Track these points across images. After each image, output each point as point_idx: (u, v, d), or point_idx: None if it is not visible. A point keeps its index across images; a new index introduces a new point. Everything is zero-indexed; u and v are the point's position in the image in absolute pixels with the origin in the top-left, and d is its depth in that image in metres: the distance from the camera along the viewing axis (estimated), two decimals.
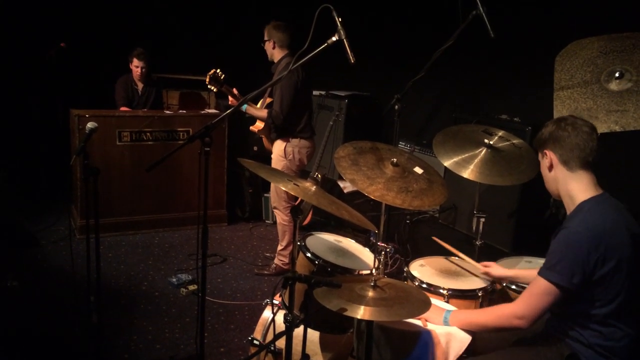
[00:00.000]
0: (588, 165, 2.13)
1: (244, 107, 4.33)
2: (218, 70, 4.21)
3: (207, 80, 4.20)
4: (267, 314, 2.82)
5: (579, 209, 2.09)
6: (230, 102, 4.48)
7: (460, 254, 2.91)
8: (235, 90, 4.40)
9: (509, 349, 2.26)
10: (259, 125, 4.57)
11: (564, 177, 2.16)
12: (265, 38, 4.33)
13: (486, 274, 2.72)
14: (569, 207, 2.15)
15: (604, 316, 2.04)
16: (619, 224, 2.06)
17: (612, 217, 2.06)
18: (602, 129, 2.91)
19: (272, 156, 4.42)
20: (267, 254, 4.94)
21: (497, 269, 2.72)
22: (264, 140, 4.72)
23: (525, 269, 2.74)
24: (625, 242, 2.03)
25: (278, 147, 4.35)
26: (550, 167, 2.19)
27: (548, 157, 2.19)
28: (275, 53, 4.33)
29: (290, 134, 4.30)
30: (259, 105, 4.57)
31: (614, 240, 2.01)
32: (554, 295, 2.03)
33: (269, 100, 4.54)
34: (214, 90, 4.29)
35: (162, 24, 6.97)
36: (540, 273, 2.06)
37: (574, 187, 2.13)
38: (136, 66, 5.58)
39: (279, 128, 4.28)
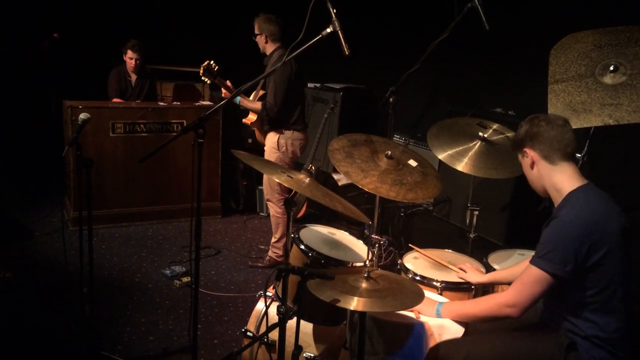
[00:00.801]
0: (568, 156, 2.16)
1: (238, 99, 4.32)
2: (212, 62, 4.19)
3: (201, 71, 4.18)
4: (260, 305, 2.82)
5: (568, 198, 2.11)
6: (223, 95, 4.46)
7: (440, 261, 2.90)
8: (228, 83, 4.38)
9: (510, 332, 2.27)
10: (252, 117, 4.56)
11: (547, 172, 2.18)
12: (256, 32, 4.31)
13: (463, 279, 2.70)
14: (557, 200, 2.16)
15: (598, 304, 2.06)
16: (608, 212, 2.08)
17: (601, 205, 2.09)
18: (596, 122, 2.91)
19: (265, 148, 4.40)
20: (262, 247, 4.94)
21: (473, 275, 2.68)
22: (257, 133, 4.71)
23: (503, 270, 2.71)
24: (615, 230, 2.06)
25: (271, 140, 4.34)
26: (532, 165, 2.21)
27: (529, 156, 2.21)
28: (267, 46, 4.31)
29: (283, 126, 4.28)
30: (251, 98, 4.56)
31: (604, 227, 2.04)
32: (546, 284, 2.04)
33: (261, 92, 4.52)
34: (208, 82, 4.27)
35: (156, 15, 6.93)
36: (533, 262, 2.08)
37: (559, 179, 2.15)
38: (130, 58, 5.55)
39: (272, 120, 4.27)
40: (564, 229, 2.03)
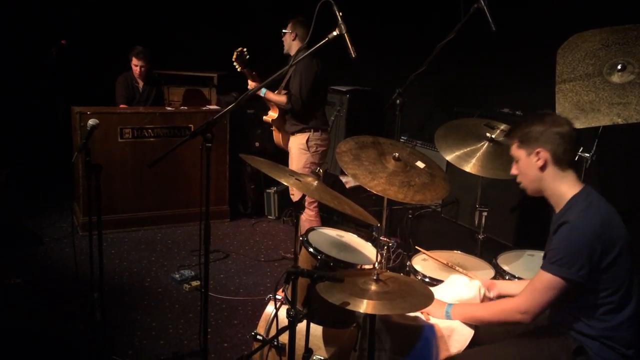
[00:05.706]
0: (572, 163, 2.14)
1: (263, 91, 4.33)
2: (245, 50, 4.18)
3: (234, 57, 4.17)
4: (270, 309, 2.82)
5: (572, 203, 2.10)
6: (249, 86, 4.45)
7: (447, 262, 2.89)
8: (254, 74, 4.38)
9: (514, 339, 2.26)
10: (273, 115, 4.54)
11: (554, 177, 2.14)
12: (289, 30, 4.35)
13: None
14: (559, 204, 2.14)
15: (611, 305, 2.05)
16: (611, 212, 2.09)
17: (604, 207, 2.09)
18: (604, 121, 2.90)
19: (292, 151, 4.40)
20: (270, 250, 4.93)
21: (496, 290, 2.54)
22: (275, 133, 4.67)
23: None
24: (621, 228, 2.07)
25: (299, 142, 4.34)
26: (543, 167, 2.13)
27: (541, 157, 2.12)
28: (293, 45, 4.36)
29: (312, 126, 4.31)
30: None
31: (612, 228, 2.04)
32: (559, 289, 2.03)
33: (283, 92, 4.53)
34: (238, 69, 4.26)
35: (163, 20, 6.96)
36: (545, 268, 2.06)
37: (564, 184, 2.13)
38: (135, 65, 5.57)
39: (299, 115, 4.28)
40: (577, 233, 2.01)
